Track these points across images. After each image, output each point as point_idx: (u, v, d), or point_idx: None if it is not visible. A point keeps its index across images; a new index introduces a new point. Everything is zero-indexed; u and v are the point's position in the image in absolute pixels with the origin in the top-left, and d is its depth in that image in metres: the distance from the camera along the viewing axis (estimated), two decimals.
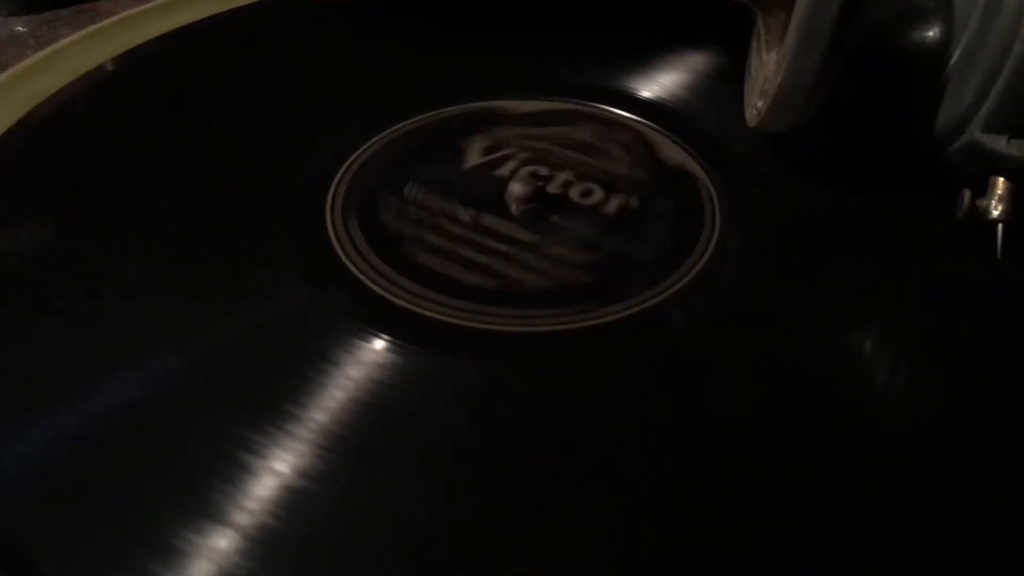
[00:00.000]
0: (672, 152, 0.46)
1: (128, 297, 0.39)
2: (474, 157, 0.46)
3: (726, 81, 0.48)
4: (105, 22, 0.55)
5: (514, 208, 0.42)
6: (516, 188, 0.43)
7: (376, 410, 0.35)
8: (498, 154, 0.46)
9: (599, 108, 0.49)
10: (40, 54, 0.52)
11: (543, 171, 0.44)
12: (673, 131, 0.47)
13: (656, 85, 0.50)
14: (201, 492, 0.32)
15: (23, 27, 0.61)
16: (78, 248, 0.42)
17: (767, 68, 0.41)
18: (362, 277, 0.40)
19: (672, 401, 0.36)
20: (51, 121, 0.49)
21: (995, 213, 0.39)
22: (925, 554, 0.31)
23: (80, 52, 0.53)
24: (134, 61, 0.53)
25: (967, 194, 0.40)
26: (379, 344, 0.36)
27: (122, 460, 0.33)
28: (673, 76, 0.51)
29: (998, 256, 0.39)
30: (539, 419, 0.35)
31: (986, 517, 0.32)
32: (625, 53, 0.52)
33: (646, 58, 0.52)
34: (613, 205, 0.43)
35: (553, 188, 0.43)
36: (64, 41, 0.53)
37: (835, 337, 0.38)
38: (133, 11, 0.55)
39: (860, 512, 0.32)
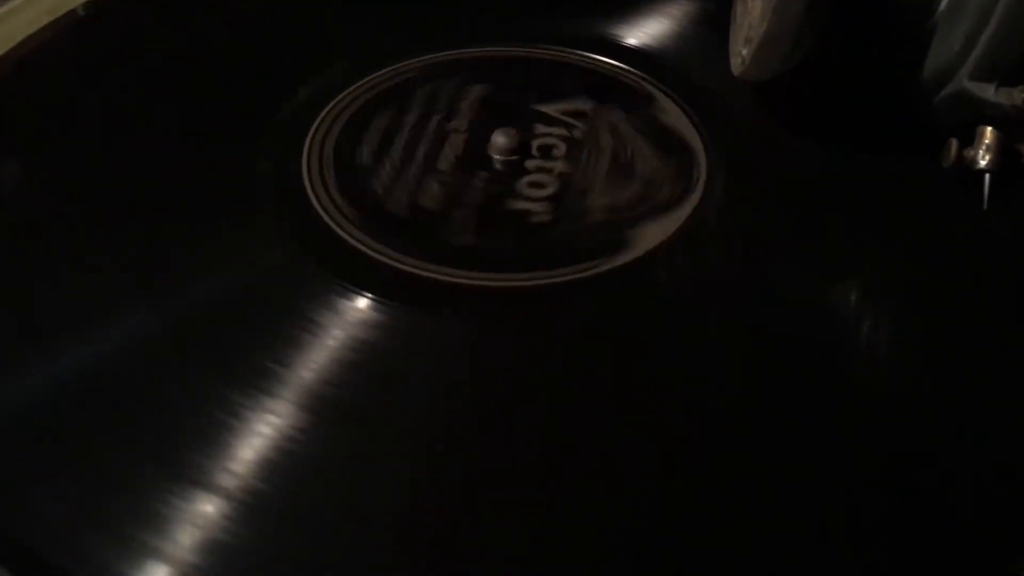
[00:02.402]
0: (653, 235, 0.40)
1: (102, 254, 0.39)
2: (554, 109, 0.45)
3: (713, 28, 0.48)
4: None
5: (497, 161, 0.42)
6: (499, 139, 0.42)
7: (360, 368, 0.35)
8: (569, 120, 0.44)
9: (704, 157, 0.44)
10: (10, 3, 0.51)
11: (558, 152, 0.43)
12: (661, 79, 0.47)
13: (642, 32, 0.49)
14: (184, 456, 0.32)
15: None
16: (49, 202, 0.42)
17: (752, 15, 0.41)
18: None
19: (663, 355, 0.36)
20: (22, 68, 0.48)
21: (982, 163, 0.39)
22: (906, 518, 0.31)
23: None
24: (106, 6, 0.52)
25: (954, 144, 0.40)
26: (362, 302, 0.36)
27: (102, 424, 0.33)
28: (659, 23, 0.50)
29: (985, 206, 0.39)
30: (527, 375, 0.35)
31: (969, 474, 0.32)
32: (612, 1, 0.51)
33: (632, 5, 0.51)
34: (521, 207, 0.41)
35: (531, 165, 0.42)
36: None
37: (818, 289, 0.38)
38: None
39: (846, 470, 0.32)
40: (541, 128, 0.44)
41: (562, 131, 0.44)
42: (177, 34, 0.51)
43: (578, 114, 0.45)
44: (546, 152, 0.43)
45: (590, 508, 0.31)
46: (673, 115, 0.45)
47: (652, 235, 0.39)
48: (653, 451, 0.33)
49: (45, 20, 0.50)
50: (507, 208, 0.41)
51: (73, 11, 0.51)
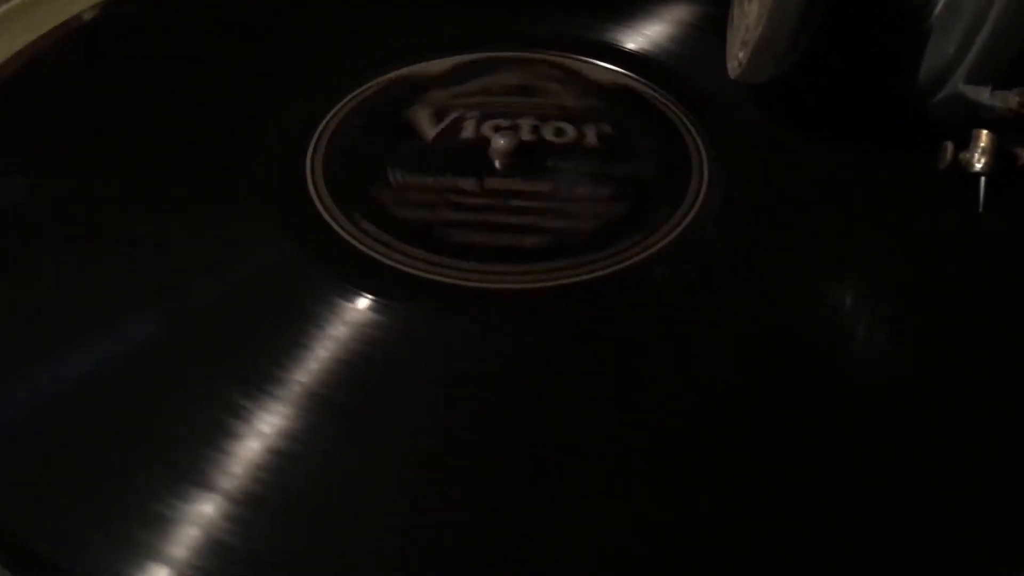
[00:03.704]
0: (602, 73, 0.47)
1: (105, 255, 0.39)
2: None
3: (712, 31, 0.48)
4: None
5: (498, 163, 0.42)
6: (499, 141, 0.42)
7: (361, 369, 0.35)
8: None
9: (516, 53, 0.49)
10: (14, 3, 0.51)
11: (559, 154, 0.43)
12: (659, 83, 0.47)
13: (641, 37, 0.50)
14: (185, 456, 0.32)
15: None
16: (51, 204, 0.42)
17: (748, 18, 0.41)
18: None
19: (663, 356, 0.36)
20: (25, 72, 0.48)
21: (977, 166, 0.39)
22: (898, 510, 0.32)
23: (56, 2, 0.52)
24: (111, 11, 0.52)
25: (949, 147, 0.40)
26: (364, 302, 0.36)
27: (104, 425, 0.34)
28: (658, 27, 0.50)
29: (980, 209, 0.39)
30: (528, 376, 0.35)
31: (967, 473, 0.33)
32: (609, 5, 0.51)
33: (631, 9, 0.51)
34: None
35: (531, 166, 0.42)
36: None
37: (817, 290, 0.38)
38: None
39: (845, 469, 0.33)
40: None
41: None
42: (179, 37, 0.51)
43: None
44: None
45: (590, 508, 0.32)
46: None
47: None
48: (653, 451, 0.33)
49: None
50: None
51: (78, 15, 0.52)
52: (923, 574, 0.30)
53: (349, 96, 0.46)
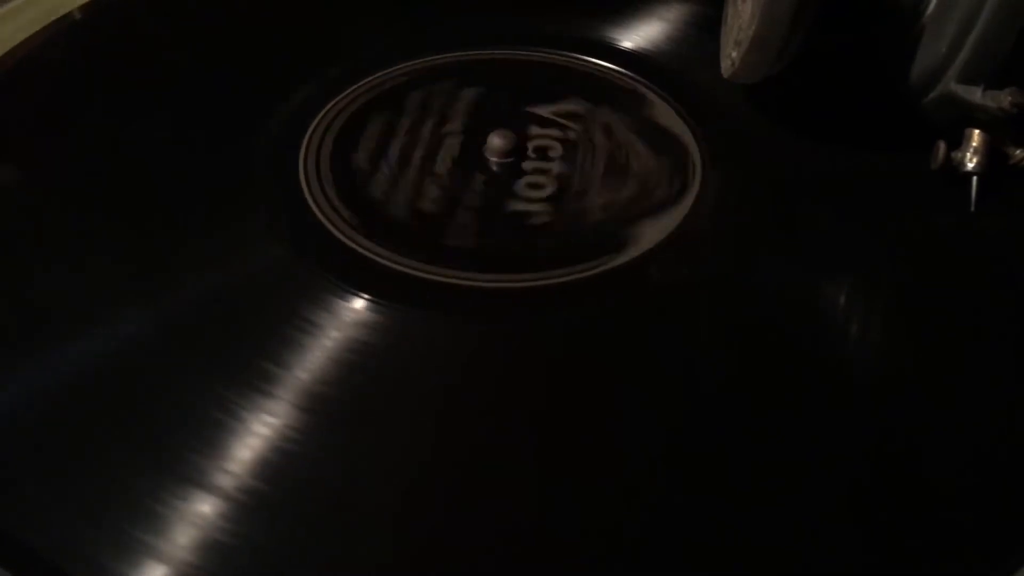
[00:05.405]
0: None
1: (99, 254, 0.39)
2: (549, 111, 0.45)
3: (708, 29, 0.48)
4: None
5: (494, 163, 0.42)
6: (495, 141, 0.42)
7: (357, 369, 0.35)
8: (564, 122, 0.45)
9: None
10: (8, 5, 0.51)
11: (555, 153, 0.43)
12: (655, 81, 0.47)
13: (637, 35, 0.50)
14: (182, 455, 0.32)
15: None
16: (45, 203, 0.42)
17: (741, 18, 0.41)
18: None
19: (660, 354, 0.36)
20: (18, 71, 0.48)
21: (970, 165, 0.39)
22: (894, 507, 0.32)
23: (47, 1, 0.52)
24: (102, 10, 0.52)
25: (942, 146, 0.40)
26: (359, 303, 0.36)
27: (100, 424, 0.34)
28: (654, 26, 0.50)
29: (972, 208, 0.40)
30: (523, 376, 0.35)
31: (959, 470, 0.33)
32: (606, 3, 0.52)
33: (627, 8, 0.51)
34: (518, 208, 0.41)
35: (528, 166, 0.43)
36: None
37: (811, 288, 0.39)
38: None
39: (840, 466, 0.33)
40: (536, 130, 0.44)
41: (557, 133, 0.44)
42: (172, 37, 0.51)
43: (573, 116, 0.45)
44: (542, 154, 0.43)
45: (589, 507, 0.32)
46: (667, 116, 0.45)
47: (649, 235, 0.39)
48: (653, 451, 0.33)
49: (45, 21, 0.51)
50: (504, 210, 0.41)
51: (69, 14, 0.52)
52: (922, 573, 0.31)
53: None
